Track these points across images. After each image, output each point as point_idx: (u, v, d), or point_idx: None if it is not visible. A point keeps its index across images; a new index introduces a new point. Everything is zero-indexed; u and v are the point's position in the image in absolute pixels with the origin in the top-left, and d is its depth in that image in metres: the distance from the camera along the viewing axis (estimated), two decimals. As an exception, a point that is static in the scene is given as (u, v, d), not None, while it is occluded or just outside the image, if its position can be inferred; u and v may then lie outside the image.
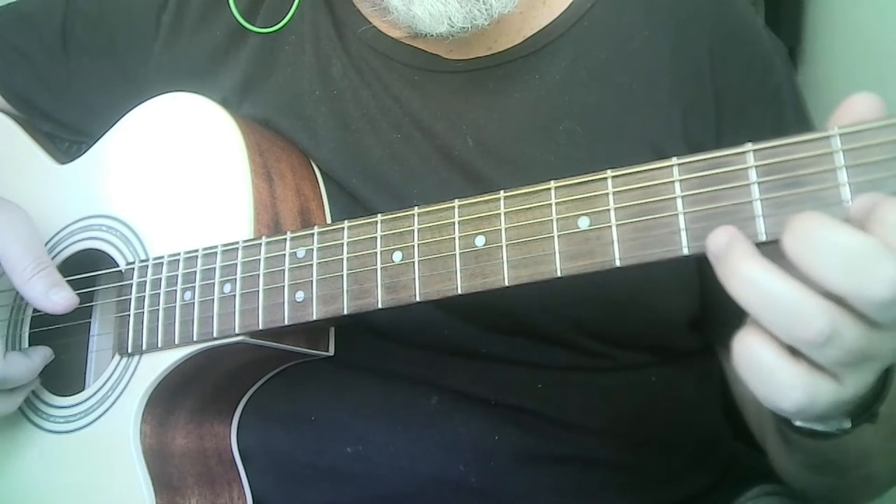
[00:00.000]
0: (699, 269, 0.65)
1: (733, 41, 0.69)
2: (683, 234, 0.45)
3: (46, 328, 0.72)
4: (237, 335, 0.59)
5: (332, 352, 0.67)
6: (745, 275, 0.39)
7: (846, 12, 1.11)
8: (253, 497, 0.68)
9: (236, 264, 0.60)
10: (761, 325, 0.40)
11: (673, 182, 0.45)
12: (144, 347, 0.63)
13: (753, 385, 0.40)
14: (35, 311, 0.73)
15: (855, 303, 0.37)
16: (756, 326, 0.40)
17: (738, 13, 0.71)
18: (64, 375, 0.72)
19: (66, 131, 0.83)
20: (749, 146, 0.43)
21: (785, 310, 0.38)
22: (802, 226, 0.38)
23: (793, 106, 0.69)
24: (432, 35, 0.62)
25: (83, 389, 0.68)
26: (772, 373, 0.39)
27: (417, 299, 0.53)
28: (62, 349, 0.73)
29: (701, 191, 0.44)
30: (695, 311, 0.67)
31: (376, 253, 0.54)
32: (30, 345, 0.72)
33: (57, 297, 0.65)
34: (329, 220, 0.68)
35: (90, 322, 0.75)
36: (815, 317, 0.38)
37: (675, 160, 0.45)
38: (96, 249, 0.69)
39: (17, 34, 0.82)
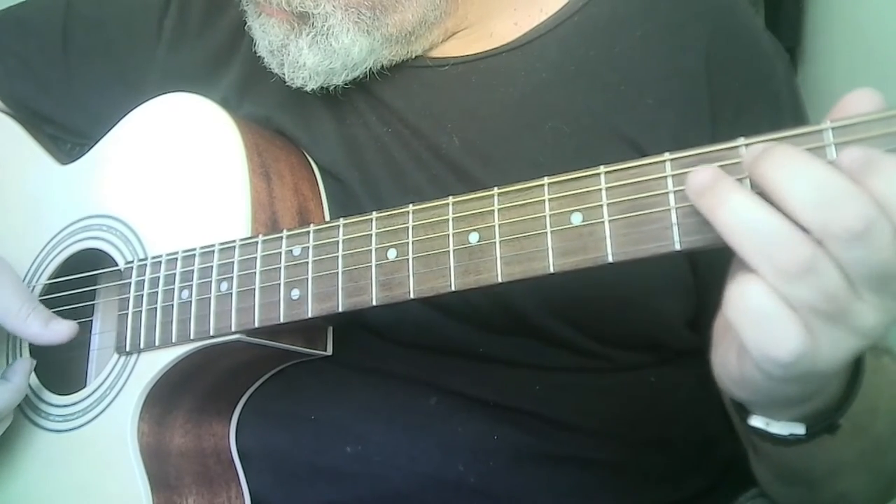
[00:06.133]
0: (693, 270, 0.65)
1: (733, 45, 0.68)
2: (675, 229, 0.44)
3: None
4: (233, 333, 0.59)
5: (330, 351, 0.67)
6: (733, 204, 0.39)
7: (846, 12, 1.11)
8: (252, 497, 0.68)
9: (233, 263, 0.60)
10: (743, 255, 0.39)
11: (665, 177, 0.45)
12: (142, 346, 0.63)
13: (746, 331, 0.40)
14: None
15: (821, 236, 0.38)
16: (751, 274, 0.39)
17: (740, 17, 0.71)
18: (66, 374, 0.73)
19: (68, 134, 0.83)
20: (741, 140, 0.43)
21: (769, 237, 0.38)
22: (782, 153, 0.39)
23: (792, 113, 0.69)
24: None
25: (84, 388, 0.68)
26: (768, 316, 0.39)
27: (412, 296, 0.53)
28: (64, 347, 0.73)
29: (693, 186, 0.44)
30: (692, 311, 0.67)
31: (371, 250, 0.54)
32: (30, 345, 0.72)
33: (58, 327, 0.66)
34: (328, 219, 0.68)
35: (91, 320, 0.75)
36: (799, 245, 0.38)
37: (667, 155, 0.45)
38: (97, 249, 0.69)
39: (16, 40, 0.83)
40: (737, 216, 0.39)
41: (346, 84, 0.67)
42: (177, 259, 0.63)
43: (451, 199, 0.52)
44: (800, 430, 0.49)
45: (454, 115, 0.67)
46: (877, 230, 0.37)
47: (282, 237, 0.59)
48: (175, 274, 0.63)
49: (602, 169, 0.47)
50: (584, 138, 0.65)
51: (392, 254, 0.54)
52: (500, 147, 0.66)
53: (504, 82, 0.67)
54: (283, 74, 0.66)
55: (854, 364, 0.50)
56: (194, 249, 0.62)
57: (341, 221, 0.56)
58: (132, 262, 0.66)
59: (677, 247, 0.45)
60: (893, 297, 0.39)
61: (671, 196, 0.45)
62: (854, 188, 0.37)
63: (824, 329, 0.40)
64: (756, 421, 0.50)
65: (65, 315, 0.70)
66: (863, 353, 0.50)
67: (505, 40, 0.68)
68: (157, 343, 0.62)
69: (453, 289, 0.51)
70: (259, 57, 0.72)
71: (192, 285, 0.61)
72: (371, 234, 0.55)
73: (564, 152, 0.64)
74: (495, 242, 0.50)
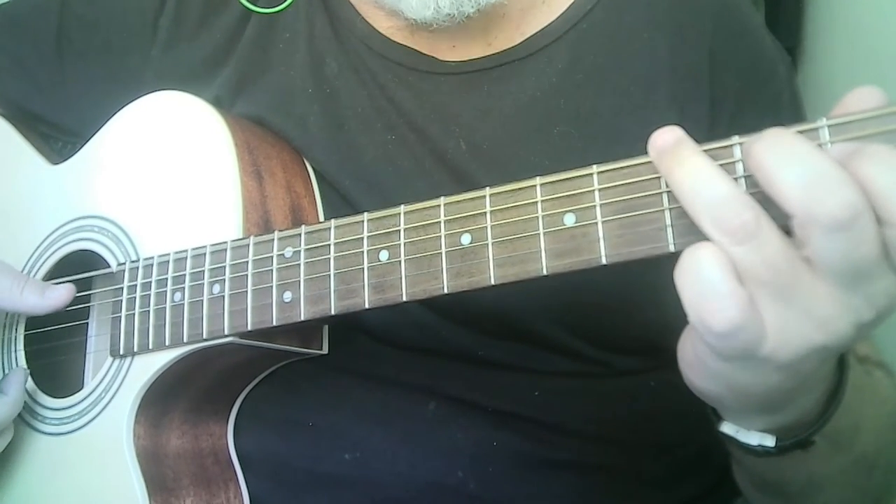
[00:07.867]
0: None
1: (734, 44, 0.68)
2: (670, 230, 0.44)
3: (43, 329, 0.72)
4: (226, 336, 0.59)
5: (326, 350, 0.66)
6: (692, 165, 0.40)
7: (846, 12, 1.10)
8: (251, 501, 0.67)
9: (225, 265, 0.59)
10: (693, 217, 0.40)
11: (659, 177, 0.44)
12: (136, 349, 0.63)
13: (688, 296, 0.39)
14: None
15: (805, 222, 0.37)
16: (710, 244, 0.39)
17: (742, 17, 0.70)
18: (63, 376, 0.72)
19: (61, 133, 0.83)
20: (735, 139, 0.42)
21: (718, 198, 0.39)
22: (773, 135, 0.38)
23: (791, 115, 0.68)
24: (416, 20, 0.62)
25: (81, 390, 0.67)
26: (711, 281, 0.38)
27: (404, 299, 0.52)
28: (61, 350, 0.73)
29: (688, 186, 0.43)
30: None
31: (363, 252, 0.54)
32: (25, 346, 0.72)
33: (55, 293, 0.66)
34: (322, 217, 0.68)
35: (87, 323, 0.75)
36: (745, 208, 0.38)
37: None
38: (89, 250, 0.68)
39: (10, 38, 0.82)
40: (692, 177, 0.40)
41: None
42: (168, 261, 0.62)
43: (442, 201, 0.52)
44: (769, 441, 0.48)
45: (463, 119, 0.67)
46: (860, 223, 0.36)
47: (273, 239, 0.58)
48: (167, 277, 0.62)
49: (595, 169, 0.47)
50: (593, 141, 0.64)
51: (384, 255, 0.53)
52: (507, 151, 0.65)
53: (514, 87, 0.67)
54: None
55: (835, 381, 0.49)
56: (186, 251, 0.61)
57: (333, 223, 0.56)
58: (124, 263, 0.65)
59: (671, 248, 0.44)
60: (865, 297, 0.38)
61: (665, 196, 0.44)
62: (843, 175, 0.36)
63: (771, 305, 0.39)
64: (727, 428, 0.49)
65: (60, 318, 0.70)
66: (845, 373, 0.49)
67: (514, 41, 0.68)
68: (150, 346, 0.62)
69: (446, 291, 0.51)
70: (253, 57, 0.72)
71: (184, 287, 0.61)
72: (363, 237, 0.54)
73: (572, 156, 0.64)
74: (488, 244, 0.49)
